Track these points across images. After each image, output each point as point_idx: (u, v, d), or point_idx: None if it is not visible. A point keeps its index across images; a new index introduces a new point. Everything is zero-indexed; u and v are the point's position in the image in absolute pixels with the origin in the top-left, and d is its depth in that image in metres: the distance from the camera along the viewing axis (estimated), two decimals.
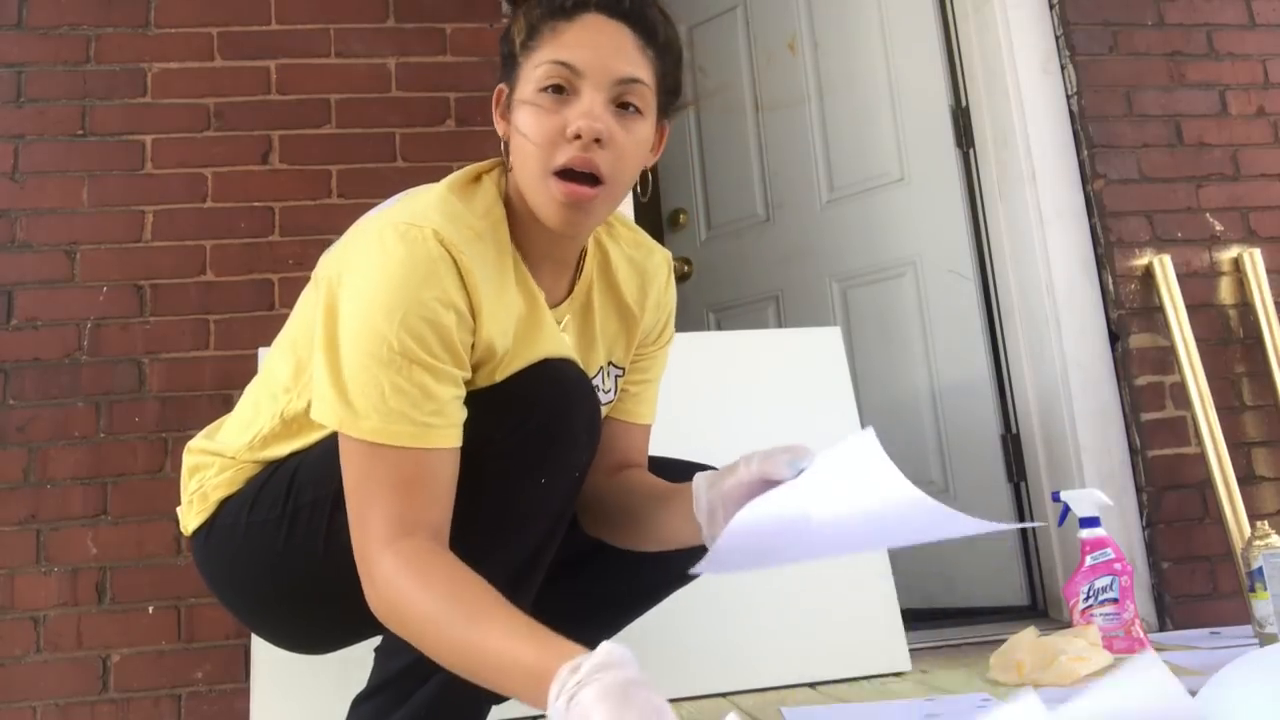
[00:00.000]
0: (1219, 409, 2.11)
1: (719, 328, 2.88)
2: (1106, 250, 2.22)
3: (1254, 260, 2.23)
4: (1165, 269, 2.18)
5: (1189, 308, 2.15)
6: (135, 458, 1.87)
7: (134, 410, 1.88)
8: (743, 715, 1.41)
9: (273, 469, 1.08)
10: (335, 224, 1.15)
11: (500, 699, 1.01)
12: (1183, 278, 2.18)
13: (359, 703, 1.03)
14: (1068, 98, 2.30)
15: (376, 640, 1.04)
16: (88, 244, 1.93)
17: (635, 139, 0.99)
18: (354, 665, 1.09)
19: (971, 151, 2.44)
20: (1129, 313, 2.18)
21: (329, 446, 0.95)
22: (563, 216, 0.97)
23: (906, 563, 2.05)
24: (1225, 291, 2.24)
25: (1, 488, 1.82)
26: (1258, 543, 1.69)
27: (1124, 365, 2.18)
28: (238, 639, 1.79)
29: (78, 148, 1.97)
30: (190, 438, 1.20)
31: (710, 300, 2.93)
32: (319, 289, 0.99)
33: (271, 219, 2.00)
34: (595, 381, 1.14)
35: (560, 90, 0.96)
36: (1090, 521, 1.77)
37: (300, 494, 1.03)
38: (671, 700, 1.59)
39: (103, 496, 1.84)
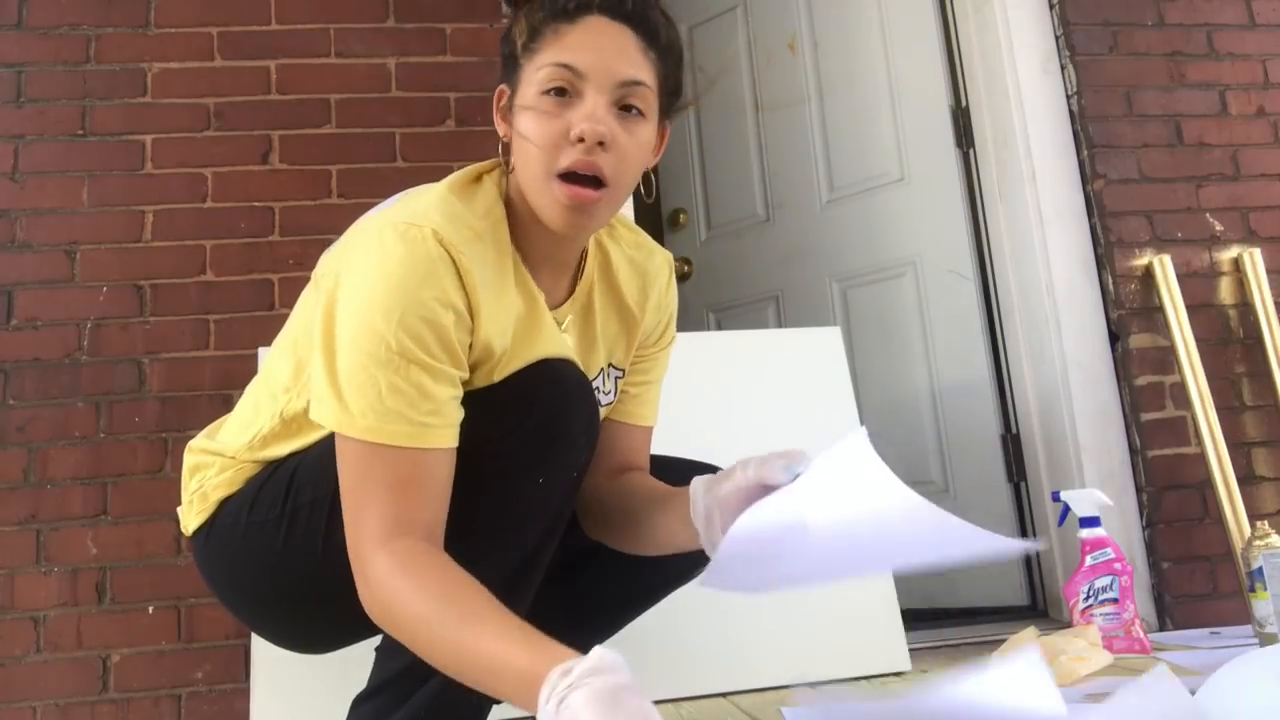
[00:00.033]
0: (1219, 409, 2.11)
1: (719, 328, 2.89)
2: (1106, 250, 2.22)
3: (1254, 260, 2.23)
4: (1165, 269, 2.18)
5: (1189, 308, 2.15)
6: (135, 458, 1.87)
7: (134, 410, 1.88)
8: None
9: (272, 469, 1.08)
10: (335, 224, 1.15)
11: (500, 699, 1.01)
12: (1183, 278, 2.18)
13: (359, 703, 1.03)
14: (1068, 98, 2.30)
15: (376, 640, 1.04)
16: (88, 244, 1.94)
17: (637, 141, 0.99)
18: (354, 665, 1.09)
19: (971, 151, 2.44)
20: (1129, 313, 2.18)
21: (328, 447, 0.95)
22: (566, 219, 0.97)
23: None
24: (1225, 291, 2.24)
25: (1, 488, 1.82)
26: (1258, 543, 1.70)
27: (1124, 365, 2.18)
28: (238, 639, 1.79)
29: (78, 148, 1.97)
30: (190, 438, 1.20)
31: (710, 300, 2.93)
32: (319, 288, 0.99)
33: (271, 219, 2.00)
34: (596, 383, 1.14)
35: (563, 93, 0.96)
36: (1090, 521, 1.77)
37: (299, 494, 1.03)
38: (671, 700, 1.59)
39: (103, 496, 1.84)
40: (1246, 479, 2.11)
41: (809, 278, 2.70)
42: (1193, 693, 0.98)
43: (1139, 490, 2.14)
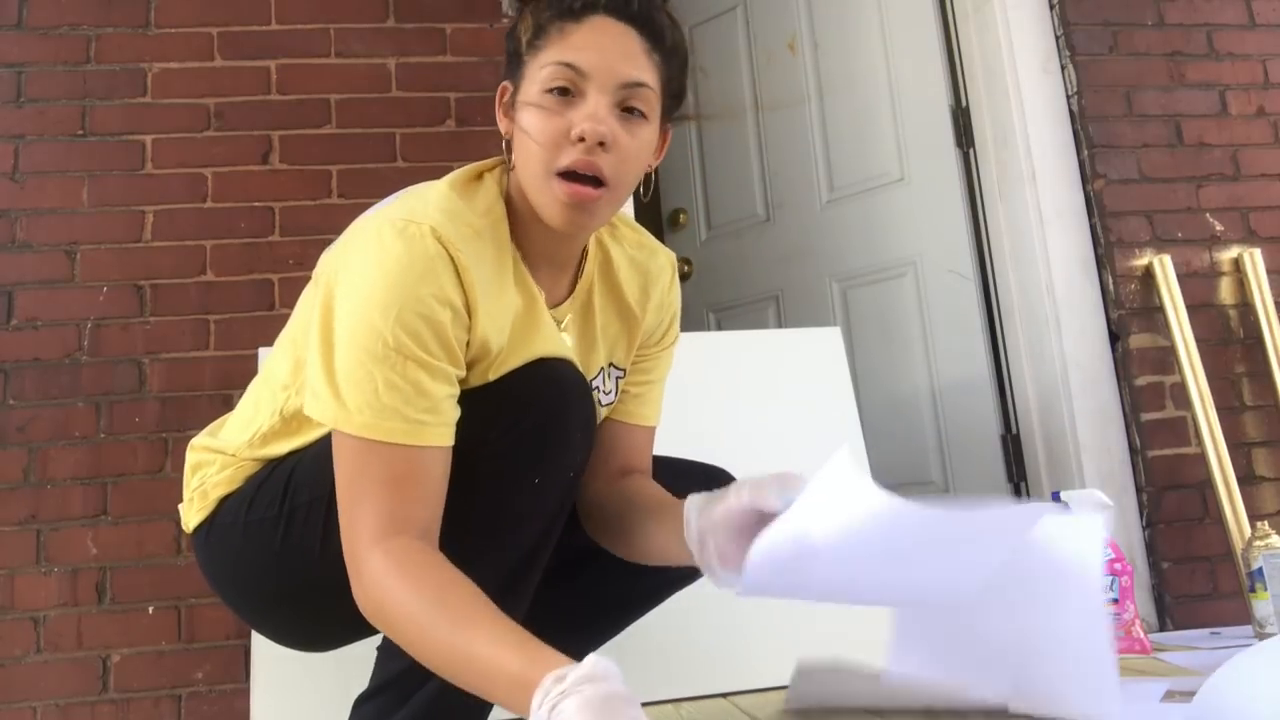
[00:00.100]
0: (1219, 409, 2.11)
1: (719, 328, 2.89)
2: (1106, 250, 2.22)
3: (1254, 260, 2.23)
4: (1165, 269, 2.18)
5: (1189, 308, 2.15)
6: (135, 458, 1.87)
7: (134, 410, 1.88)
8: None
9: (271, 467, 1.08)
10: (335, 224, 1.15)
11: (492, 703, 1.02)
12: (1183, 278, 2.18)
13: (361, 703, 1.03)
14: (1068, 98, 2.30)
15: (377, 639, 1.04)
16: (88, 244, 1.94)
17: (639, 142, 0.99)
18: (354, 665, 1.10)
19: (971, 151, 2.44)
20: (1129, 313, 2.18)
21: (326, 447, 0.95)
22: (565, 217, 0.98)
23: None
24: (1225, 291, 2.24)
25: (1, 488, 1.82)
26: (1258, 543, 1.70)
27: (1124, 365, 2.18)
28: (238, 639, 1.79)
29: (78, 148, 1.97)
30: (190, 438, 1.20)
31: (710, 300, 2.93)
32: (318, 286, 0.99)
33: (271, 219, 2.00)
34: (596, 382, 1.14)
35: (565, 91, 0.96)
36: None
37: (297, 493, 1.04)
38: (671, 700, 1.59)
39: (103, 496, 1.84)
40: (1246, 479, 2.11)
41: (809, 278, 2.70)
42: (1191, 693, 0.98)
43: (1139, 490, 2.14)
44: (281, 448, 1.08)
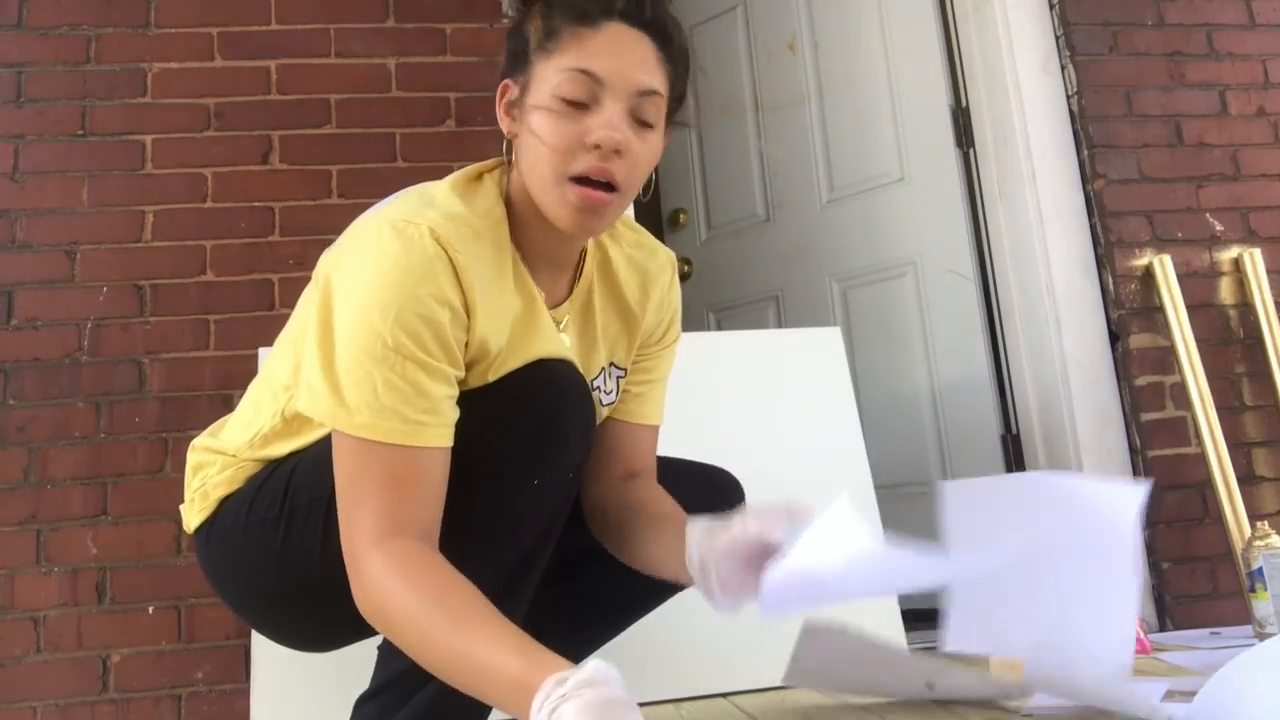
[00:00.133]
0: (1219, 409, 2.11)
1: (719, 328, 2.89)
2: (1106, 250, 2.22)
3: (1254, 260, 2.23)
4: (1165, 269, 2.18)
5: (1189, 308, 2.15)
6: (135, 458, 1.87)
7: (134, 410, 1.88)
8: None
9: (271, 468, 1.08)
10: (335, 224, 1.15)
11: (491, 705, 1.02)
12: (1183, 278, 2.18)
13: (362, 702, 1.03)
14: (1068, 98, 2.30)
15: (378, 639, 1.04)
16: (88, 244, 1.94)
17: (649, 149, 1.00)
18: (354, 665, 1.10)
19: (971, 151, 2.44)
20: (1129, 313, 2.18)
21: (325, 448, 0.95)
22: (575, 220, 0.98)
23: None
24: (1225, 291, 2.24)
25: (1, 488, 1.82)
26: (1258, 543, 1.70)
27: (1124, 365, 2.18)
28: (238, 639, 1.79)
29: (78, 148, 1.97)
30: (190, 438, 1.21)
31: (710, 300, 2.93)
32: (317, 287, 0.99)
33: (271, 219, 2.00)
34: (596, 382, 1.14)
35: (581, 98, 0.96)
36: None
37: (297, 495, 1.04)
38: (672, 700, 1.59)
39: (103, 496, 1.84)
40: (1246, 479, 2.11)
41: (809, 278, 2.70)
42: (1192, 693, 0.98)
43: None
44: (282, 449, 1.08)
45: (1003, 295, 2.36)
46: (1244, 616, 1.84)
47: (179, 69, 2.03)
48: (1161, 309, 2.16)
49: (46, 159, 1.95)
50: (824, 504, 0.94)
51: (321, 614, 1.07)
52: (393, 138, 2.07)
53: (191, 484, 1.15)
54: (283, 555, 1.05)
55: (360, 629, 1.00)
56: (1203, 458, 2.08)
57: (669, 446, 1.26)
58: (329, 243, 1.07)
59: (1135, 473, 2.14)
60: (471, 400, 0.96)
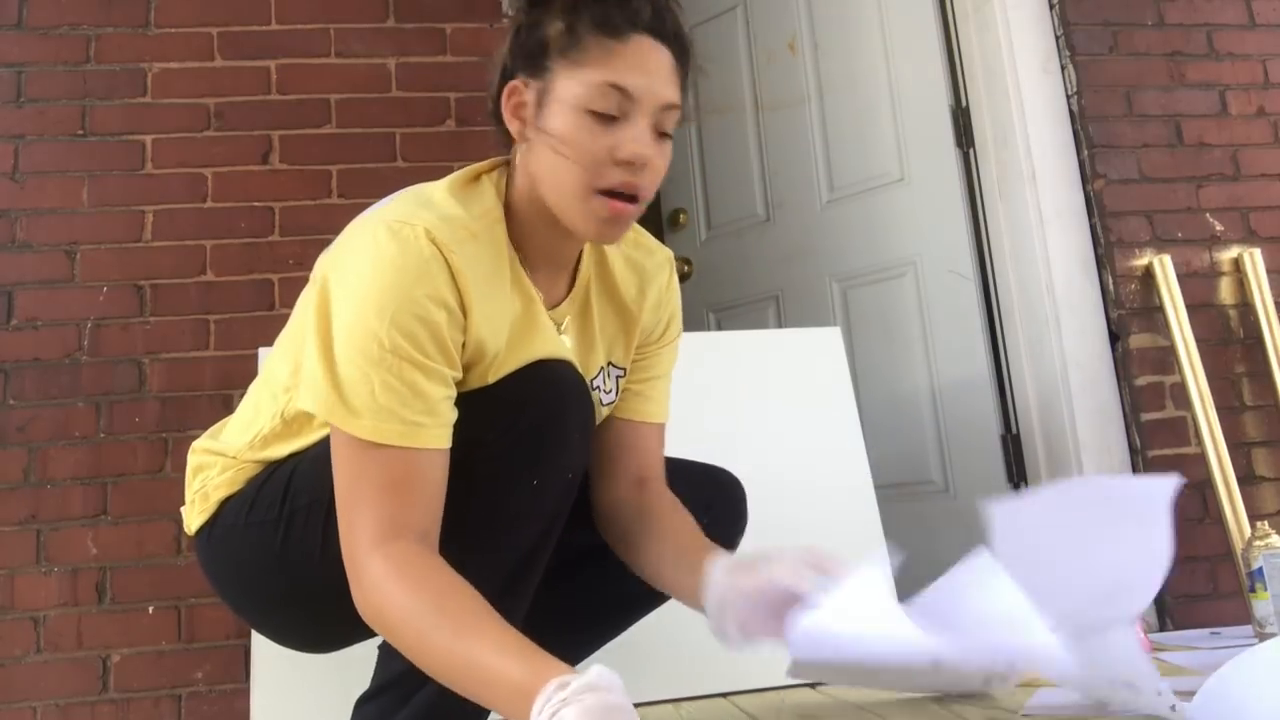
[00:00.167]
0: (1219, 409, 2.11)
1: (719, 328, 2.88)
2: (1106, 250, 2.22)
3: (1254, 260, 2.23)
4: (1165, 269, 2.18)
5: (1189, 308, 2.15)
6: (135, 458, 1.87)
7: (134, 410, 1.88)
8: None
9: (271, 470, 1.08)
10: (335, 224, 1.15)
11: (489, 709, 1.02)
12: (1183, 278, 2.18)
13: (362, 703, 1.03)
14: (1068, 98, 2.30)
15: (378, 639, 1.04)
16: (88, 244, 1.94)
17: (667, 159, 1.02)
18: (354, 665, 1.10)
19: (971, 151, 2.43)
20: (1129, 313, 2.18)
21: (325, 449, 0.96)
22: (601, 231, 0.99)
23: (907, 562, 2.04)
24: (1225, 291, 2.24)
25: (1, 488, 1.82)
26: (1258, 543, 1.69)
27: (1124, 365, 2.18)
28: (238, 639, 1.79)
29: (78, 148, 1.97)
30: (191, 438, 1.21)
31: (710, 300, 2.93)
32: (315, 288, 0.99)
33: (271, 219, 2.00)
34: (596, 382, 1.14)
35: (611, 112, 0.96)
36: None
37: (297, 497, 1.04)
38: (671, 700, 1.59)
39: (103, 496, 1.84)
40: (1246, 479, 2.11)
41: (809, 278, 2.70)
42: (1192, 693, 0.98)
43: None
44: (282, 450, 1.08)
45: (1003, 295, 2.36)
46: (1244, 616, 1.84)
47: (179, 69, 2.03)
48: (1161, 309, 2.16)
49: (46, 159, 1.96)
50: (848, 560, 0.96)
51: (322, 615, 1.07)
52: (393, 138, 2.07)
53: (192, 486, 1.15)
54: (283, 556, 1.05)
55: (360, 630, 1.00)
56: (1203, 458, 2.08)
57: (670, 446, 1.26)
58: (329, 243, 1.07)
59: (1135, 472, 2.14)
60: (470, 401, 0.96)
